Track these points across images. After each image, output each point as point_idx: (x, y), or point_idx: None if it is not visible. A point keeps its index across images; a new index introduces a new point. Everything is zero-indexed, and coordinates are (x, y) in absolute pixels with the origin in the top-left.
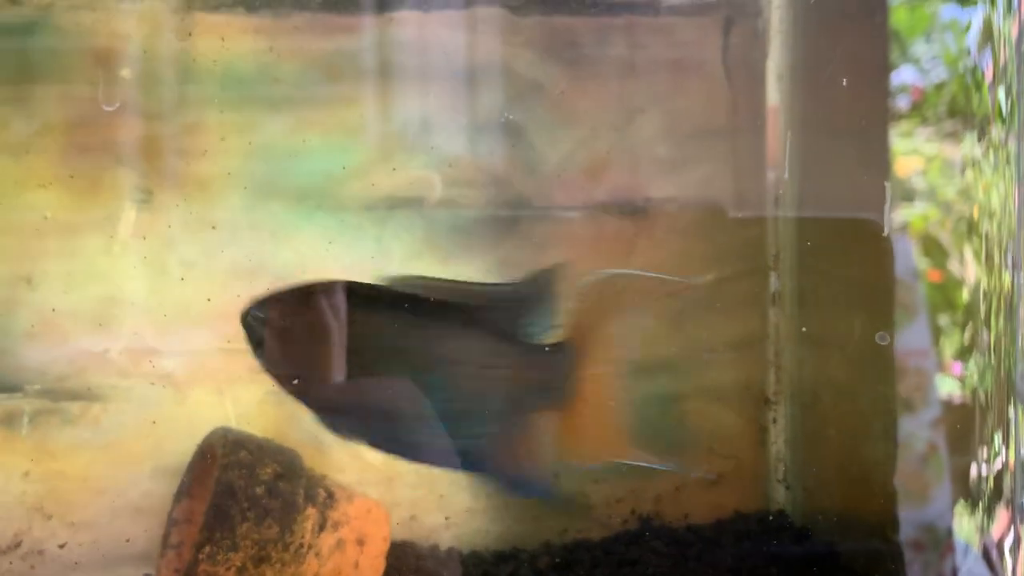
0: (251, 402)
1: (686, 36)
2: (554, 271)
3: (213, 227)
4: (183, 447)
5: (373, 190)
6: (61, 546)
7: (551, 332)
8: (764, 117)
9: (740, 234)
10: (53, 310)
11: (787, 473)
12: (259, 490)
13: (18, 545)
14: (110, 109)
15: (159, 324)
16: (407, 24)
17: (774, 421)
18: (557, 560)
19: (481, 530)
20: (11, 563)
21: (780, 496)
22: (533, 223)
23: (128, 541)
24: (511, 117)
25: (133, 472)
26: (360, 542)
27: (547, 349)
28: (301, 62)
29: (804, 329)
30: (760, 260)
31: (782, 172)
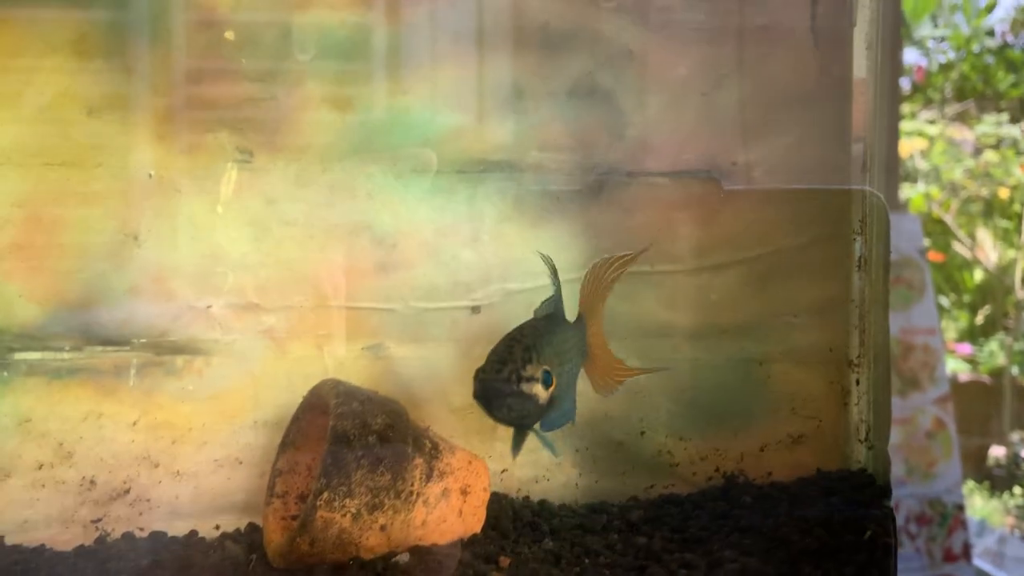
0: (348, 357)
1: (775, 3)
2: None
3: (312, 188)
4: (282, 400)
5: (465, 154)
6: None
7: None
8: (851, 85)
9: (826, 199)
10: (158, 267)
11: (869, 433)
12: (371, 439)
13: (127, 492)
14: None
15: (260, 281)
16: None
17: (857, 383)
18: (648, 513)
19: (569, 484)
20: (120, 510)
21: (861, 455)
22: (621, 187)
23: (230, 492)
24: (599, 81)
25: (234, 424)
26: (464, 492)
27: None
28: (396, 27)
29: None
30: (845, 225)
31: (871, 139)
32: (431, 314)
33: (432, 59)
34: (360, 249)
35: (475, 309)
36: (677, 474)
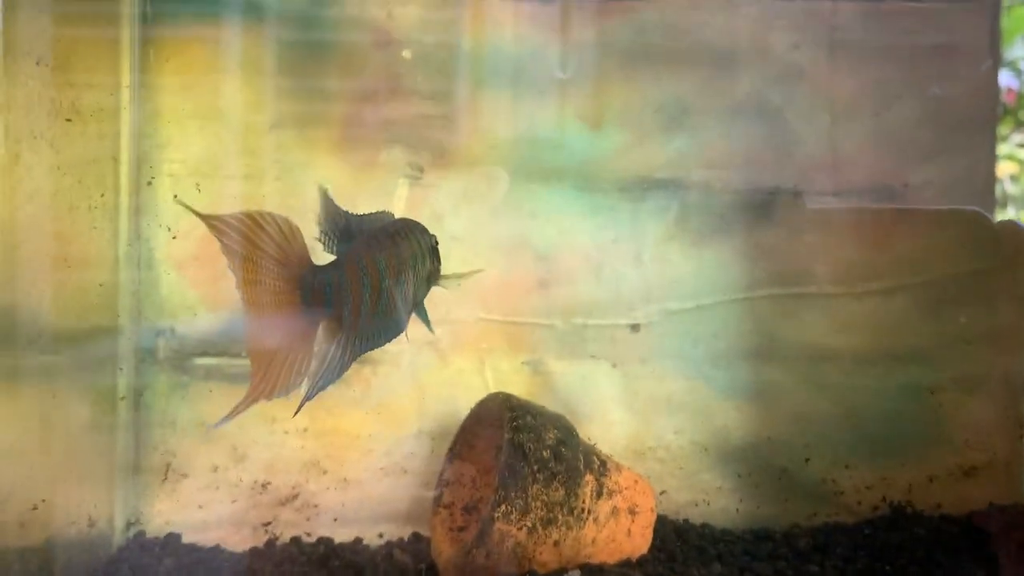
0: (508, 371)
1: (953, 21)
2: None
3: (477, 204)
4: (445, 410)
5: (628, 172)
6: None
7: None
8: None
9: (1000, 224)
10: None
11: None
12: (545, 453)
13: (295, 497)
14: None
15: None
16: (665, 7)
17: None
18: (815, 541)
19: (728, 509)
20: (288, 514)
21: None
22: (788, 207)
23: (394, 500)
24: (768, 99)
25: (399, 433)
26: (632, 511)
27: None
28: (564, 46)
29: None
30: (1020, 251)
31: None
32: (590, 330)
33: (597, 77)
34: (522, 265)
35: (635, 327)
36: (841, 503)
